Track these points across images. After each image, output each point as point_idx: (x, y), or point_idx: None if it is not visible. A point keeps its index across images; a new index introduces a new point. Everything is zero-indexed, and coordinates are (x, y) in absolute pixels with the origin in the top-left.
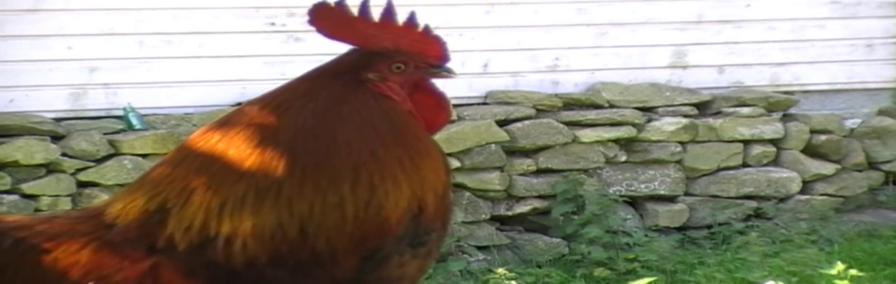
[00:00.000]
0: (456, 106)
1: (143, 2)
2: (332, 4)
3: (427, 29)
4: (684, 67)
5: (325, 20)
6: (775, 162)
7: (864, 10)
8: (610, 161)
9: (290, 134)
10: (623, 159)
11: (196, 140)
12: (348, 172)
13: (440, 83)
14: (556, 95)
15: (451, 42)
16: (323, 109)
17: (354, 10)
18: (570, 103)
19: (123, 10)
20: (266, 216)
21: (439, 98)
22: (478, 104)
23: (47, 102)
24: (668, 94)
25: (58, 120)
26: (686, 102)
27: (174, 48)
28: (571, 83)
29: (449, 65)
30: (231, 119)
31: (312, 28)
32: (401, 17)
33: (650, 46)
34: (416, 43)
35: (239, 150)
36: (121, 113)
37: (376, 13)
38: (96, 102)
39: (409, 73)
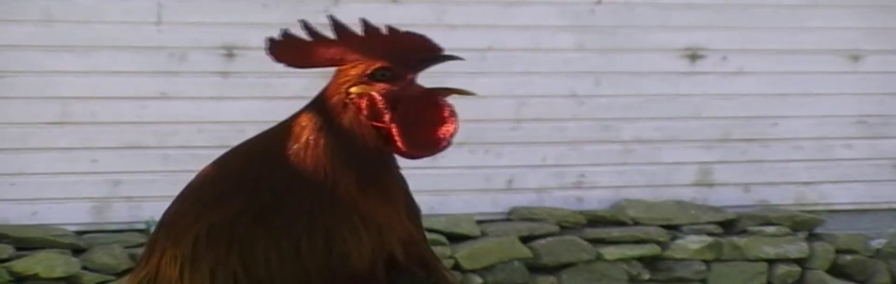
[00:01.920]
0: (480, 222)
1: (169, 116)
2: (280, 36)
3: (388, 28)
4: (710, 185)
5: (285, 54)
6: (800, 282)
7: (892, 130)
8: (633, 279)
9: (258, 166)
10: (647, 277)
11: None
12: (304, 214)
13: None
14: (581, 211)
15: (477, 158)
16: (286, 137)
17: (305, 35)
18: (595, 220)
19: (149, 124)
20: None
21: (440, 109)
22: (502, 220)
23: (69, 215)
24: (692, 212)
25: (79, 233)
26: (711, 220)
27: (199, 162)
28: (596, 200)
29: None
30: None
31: None
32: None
33: (676, 163)
34: (382, 45)
35: (194, 196)
36: (143, 226)
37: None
38: (119, 215)
39: (402, 75)
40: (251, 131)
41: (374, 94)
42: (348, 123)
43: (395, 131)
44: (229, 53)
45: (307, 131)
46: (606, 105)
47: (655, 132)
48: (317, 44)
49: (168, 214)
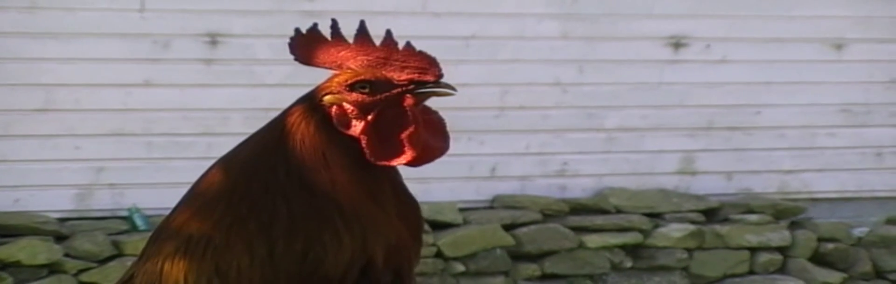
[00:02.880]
0: (462, 210)
1: (153, 103)
2: (305, 31)
3: (406, 46)
4: (693, 174)
5: (301, 48)
6: (782, 270)
7: (876, 118)
8: (616, 267)
9: (235, 174)
10: (629, 265)
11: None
12: (283, 219)
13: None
14: (564, 199)
15: (460, 146)
16: (264, 144)
17: (328, 35)
18: (578, 208)
19: (133, 111)
20: (196, 273)
21: (410, 123)
22: (484, 208)
23: (53, 201)
24: (675, 200)
25: (62, 220)
26: (694, 208)
27: (183, 149)
28: (579, 188)
29: (444, 81)
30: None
31: None
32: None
33: (659, 152)
34: (381, 60)
35: (184, 205)
36: (126, 214)
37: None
38: (102, 202)
39: (383, 92)
40: (236, 119)
41: (344, 104)
42: (316, 129)
43: (363, 141)
44: (213, 40)
45: (280, 138)
46: (590, 93)
47: (639, 121)
48: (330, 45)
49: (163, 221)
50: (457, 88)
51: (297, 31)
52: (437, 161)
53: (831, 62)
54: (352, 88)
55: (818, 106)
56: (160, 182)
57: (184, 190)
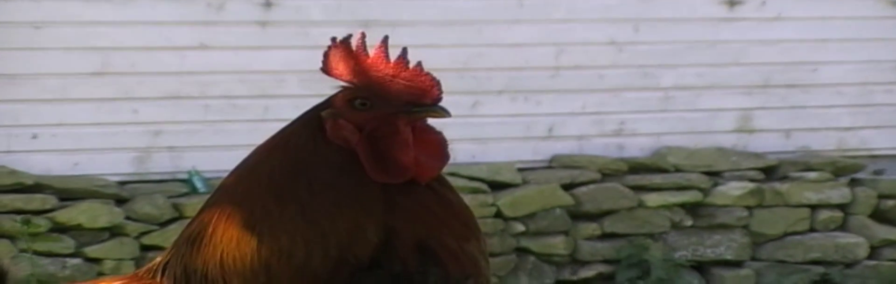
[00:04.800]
0: (521, 170)
1: (209, 66)
2: (339, 42)
3: (416, 66)
4: (750, 132)
5: (326, 59)
6: (843, 227)
7: None
8: (676, 226)
9: (231, 182)
10: (689, 223)
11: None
12: (261, 220)
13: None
14: (622, 159)
15: (517, 106)
16: (267, 153)
17: (354, 47)
18: (636, 168)
19: (189, 74)
20: (194, 263)
21: (408, 144)
22: (543, 168)
23: (111, 165)
24: (734, 158)
25: (122, 183)
26: (752, 166)
27: (240, 112)
28: (637, 147)
29: (441, 104)
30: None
31: None
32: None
33: (716, 110)
34: (385, 79)
35: (208, 200)
36: (185, 176)
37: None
38: (160, 165)
39: (379, 110)
40: (291, 81)
41: (340, 120)
42: (307, 140)
43: (361, 156)
44: (267, 2)
45: (272, 143)
46: (646, 52)
47: (695, 79)
48: (350, 57)
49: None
50: (518, 51)
51: (333, 40)
52: (495, 122)
53: (888, 19)
54: (350, 104)
55: (875, 63)
56: (218, 145)
57: (241, 153)
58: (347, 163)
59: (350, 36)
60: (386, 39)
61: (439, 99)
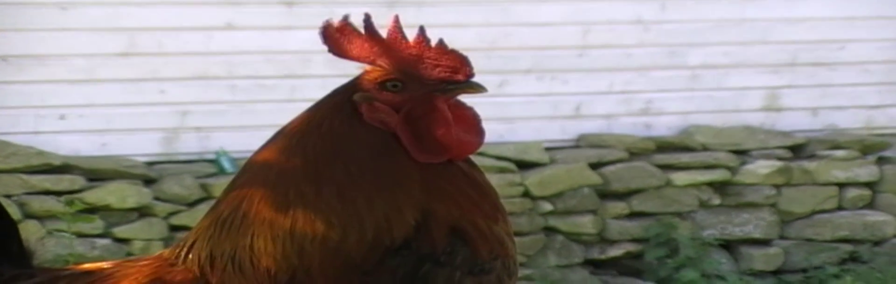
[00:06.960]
0: (548, 149)
1: (235, 46)
2: (338, 23)
3: (439, 44)
4: (778, 110)
5: (333, 39)
6: (871, 205)
7: None
8: (704, 204)
9: (259, 164)
10: (717, 202)
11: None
12: (295, 202)
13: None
14: (649, 138)
15: (544, 85)
16: (299, 136)
17: (362, 29)
18: (663, 146)
19: (216, 54)
20: (222, 245)
21: (448, 122)
22: (570, 147)
23: (139, 145)
24: (761, 137)
25: (150, 164)
26: (780, 145)
27: (267, 92)
28: (664, 126)
29: (474, 80)
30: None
31: None
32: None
33: (743, 88)
34: (414, 58)
35: (232, 183)
36: (213, 157)
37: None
38: (188, 145)
39: (414, 91)
40: (318, 61)
41: (375, 103)
42: (341, 123)
43: (402, 138)
44: None
45: (304, 126)
46: (673, 31)
47: (722, 58)
48: (364, 39)
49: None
50: (542, 29)
51: (327, 22)
52: (522, 101)
53: None
54: (382, 86)
55: None
56: (245, 125)
57: (268, 133)
58: (384, 145)
59: (348, 16)
60: (397, 18)
61: (472, 75)
